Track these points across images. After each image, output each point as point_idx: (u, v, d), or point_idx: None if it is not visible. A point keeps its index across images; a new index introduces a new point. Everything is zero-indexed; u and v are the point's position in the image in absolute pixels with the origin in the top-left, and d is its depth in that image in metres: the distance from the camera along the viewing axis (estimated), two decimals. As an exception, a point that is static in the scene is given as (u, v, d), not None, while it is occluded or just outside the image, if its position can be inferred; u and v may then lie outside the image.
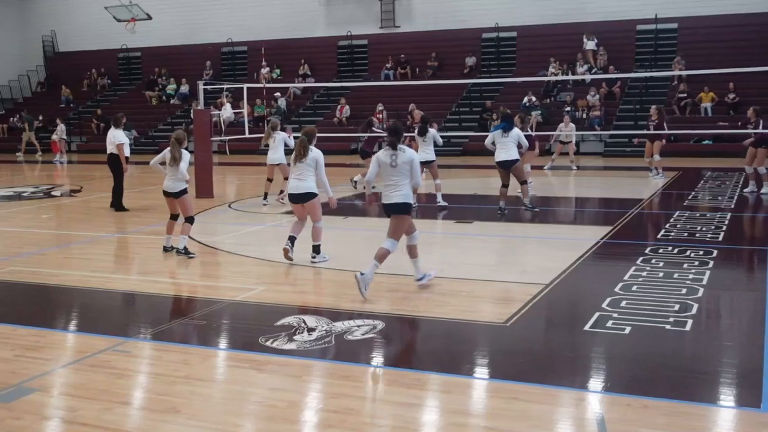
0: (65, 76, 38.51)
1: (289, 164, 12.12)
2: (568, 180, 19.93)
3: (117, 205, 14.64)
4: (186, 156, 10.15)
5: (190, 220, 10.27)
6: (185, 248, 10.10)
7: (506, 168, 12.98)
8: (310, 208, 9.57)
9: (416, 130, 14.93)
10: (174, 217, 10.43)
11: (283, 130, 15.13)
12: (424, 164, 13.82)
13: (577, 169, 21.46)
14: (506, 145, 12.88)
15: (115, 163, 14.55)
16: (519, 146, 13.06)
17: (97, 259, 10.42)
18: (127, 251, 11.28)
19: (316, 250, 9.62)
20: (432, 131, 14.48)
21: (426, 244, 10.92)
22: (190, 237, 10.44)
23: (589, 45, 30.07)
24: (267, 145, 14.92)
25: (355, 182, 17.04)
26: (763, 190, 14.91)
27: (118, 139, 14.47)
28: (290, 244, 9.52)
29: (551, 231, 12.17)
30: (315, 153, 9.48)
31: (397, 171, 7.97)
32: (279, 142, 14.68)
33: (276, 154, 14.71)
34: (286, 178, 14.21)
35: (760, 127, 15.15)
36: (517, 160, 12.94)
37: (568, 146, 22.13)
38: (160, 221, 12.38)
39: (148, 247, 11.07)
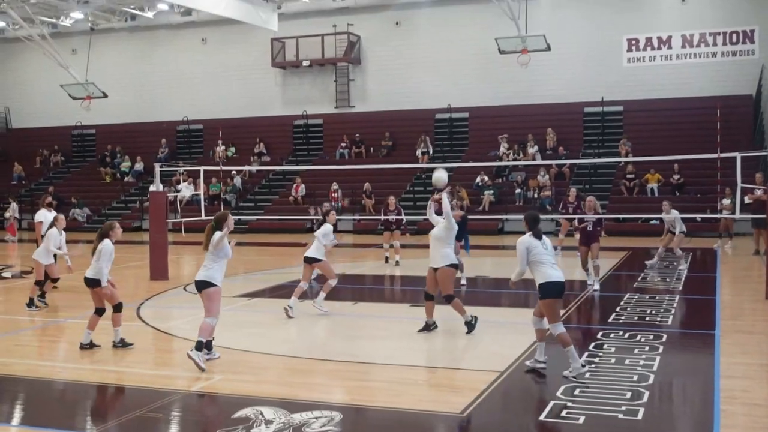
0: (18, 152, 38.26)
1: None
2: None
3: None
4: (106, 247, 9.57)
5: (117, 308, 9.66)
6: (122, 340, 9.61)
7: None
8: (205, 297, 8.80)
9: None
10: (98, 311, 9.73)
11: None
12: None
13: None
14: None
15: None
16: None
17: (48, 347, 10.23)
18: (80, 338, 11.05)
19: (198, 346, 8.56)
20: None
21: (378, 329, 11.01)
22: (143, 322, 10.32)
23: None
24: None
25: None
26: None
27: (37, 218, 14.65)
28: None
29: (504, 315, 12.26)
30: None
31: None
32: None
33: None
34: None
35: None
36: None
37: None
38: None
39: (102, 333, 10.85)
